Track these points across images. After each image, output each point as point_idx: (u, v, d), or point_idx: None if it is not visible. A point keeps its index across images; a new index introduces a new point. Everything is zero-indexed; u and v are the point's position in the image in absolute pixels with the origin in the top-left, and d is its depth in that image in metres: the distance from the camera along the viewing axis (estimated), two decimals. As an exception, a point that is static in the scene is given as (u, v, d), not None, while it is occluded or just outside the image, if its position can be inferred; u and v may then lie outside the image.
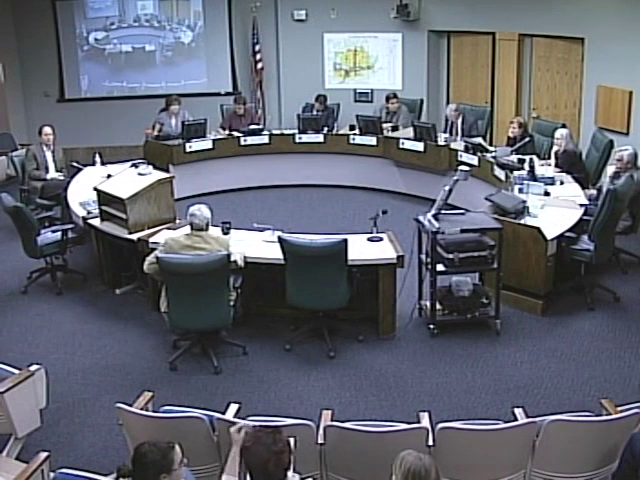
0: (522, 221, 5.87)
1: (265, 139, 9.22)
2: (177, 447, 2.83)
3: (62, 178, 7.82)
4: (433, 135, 8.39)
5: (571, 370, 5.13)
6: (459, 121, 8.74)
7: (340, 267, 5.23)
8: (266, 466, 2.75)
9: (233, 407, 3.83)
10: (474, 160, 7.87)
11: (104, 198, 6.20)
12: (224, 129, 9.37)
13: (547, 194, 6.51)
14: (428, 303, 5.73)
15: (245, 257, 5.34)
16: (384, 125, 9.08)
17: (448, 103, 10.19)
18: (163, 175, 6.39)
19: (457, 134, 8.67)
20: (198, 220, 5.16)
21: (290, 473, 2.84)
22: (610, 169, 6.77)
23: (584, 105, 8.73)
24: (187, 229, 5.27)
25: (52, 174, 7.91)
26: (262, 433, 2.84)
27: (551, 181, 6.82)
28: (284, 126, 10.03)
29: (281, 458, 2.78)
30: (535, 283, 5.80)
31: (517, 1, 9.16)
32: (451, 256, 5.41)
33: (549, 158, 7.49)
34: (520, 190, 6.55)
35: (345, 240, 5.16)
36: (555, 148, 7.36)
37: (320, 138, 9.20)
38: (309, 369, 5.25)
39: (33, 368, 4.12)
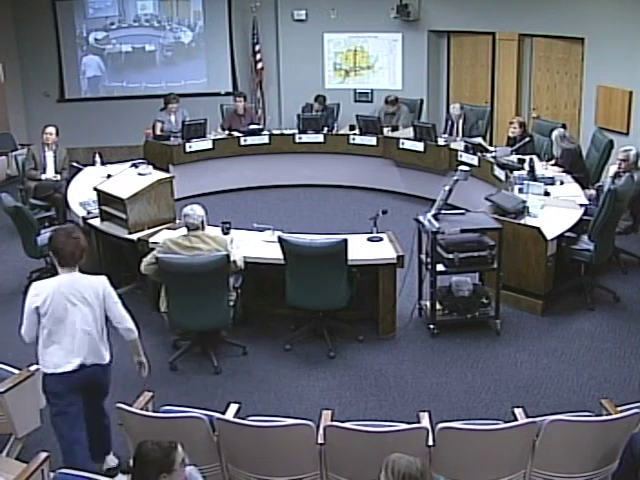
0: (522, 221, 5.87)
1: (265, 139, 9.22)
2: (179, 447, 2.84)
3: (57, 179, 7.79)
4: (433, 135, 8.38)
5: (571, 370, 5.13)
6: (460, 121, 8.75)
7: (340, 267, 5.23)
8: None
9: (233, 407, 3.83)
10: (474, 160, 7.86)
11: (104, 198, 6.20)
12: (224, 129, 9.37)
13: (547, 194, 6.51)
14: (428, 303, 5.73)
15: (244, 258, 5.33)
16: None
17: (448, 103, 10.20)
18: (163, 175, 6.39)
19: (458, 134, 8.68)
20: (193, 220, 5.13)
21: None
22: (612, 168, 6.74)
23: (584, 105, 8.73)
24: (185, 230, 5.26)
25: (48, 175, 7.86)
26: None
27: (551, 181, 6.82)
28: (284, 126, 10.01)
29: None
30: (535, 283, 5.80)
31: (517, 1, 9.16)
32: (451, 256, 5.41)
33: (550, 160, 7.44)
34: (520, 190, 6.54)
35: (345, 240, 5.16)
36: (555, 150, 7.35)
37: (320, 138, 9.19)
38: (309, 369, 5.25)
39: (33, 368, 4.11)
